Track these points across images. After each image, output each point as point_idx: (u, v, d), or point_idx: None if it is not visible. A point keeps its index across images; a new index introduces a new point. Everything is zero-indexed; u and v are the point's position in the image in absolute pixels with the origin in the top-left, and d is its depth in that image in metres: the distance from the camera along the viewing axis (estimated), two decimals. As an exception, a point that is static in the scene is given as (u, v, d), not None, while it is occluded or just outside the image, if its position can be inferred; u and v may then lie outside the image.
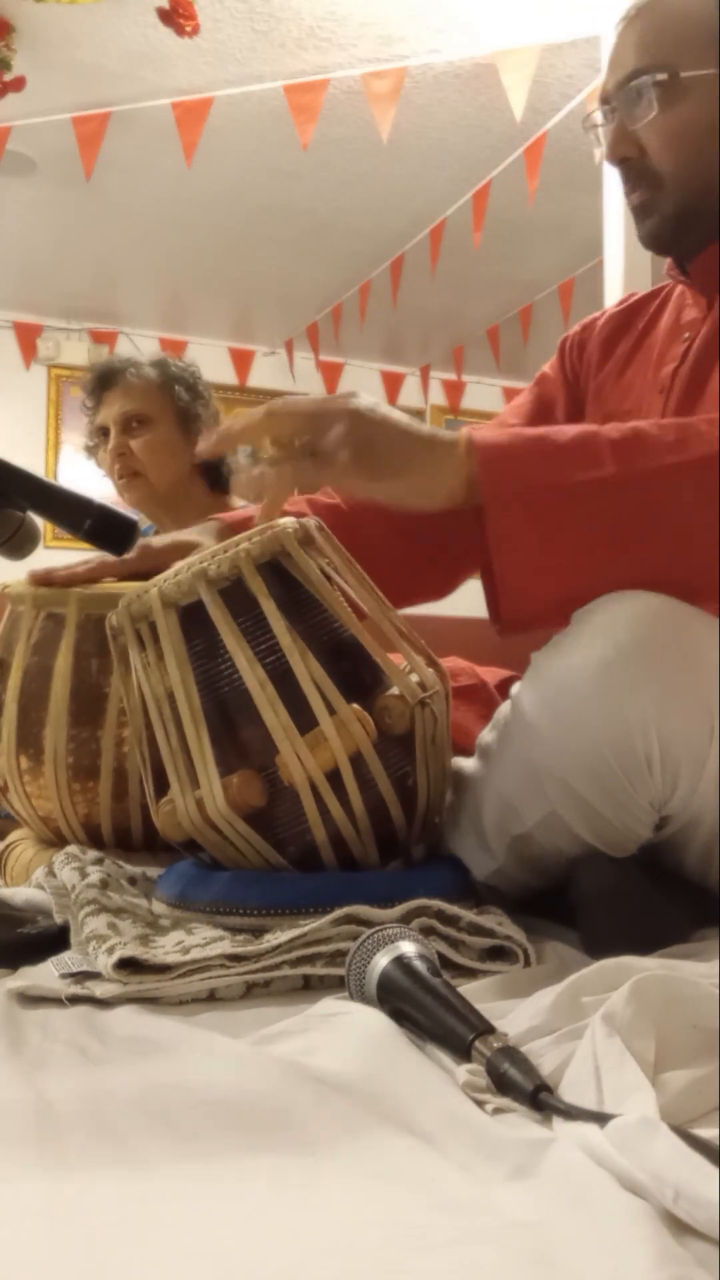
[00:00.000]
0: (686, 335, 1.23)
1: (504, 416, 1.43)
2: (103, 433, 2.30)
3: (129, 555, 1.16)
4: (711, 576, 0.93)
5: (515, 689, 0.99)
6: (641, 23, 1.16)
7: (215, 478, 2.33)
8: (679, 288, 1.29)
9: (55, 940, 0.93)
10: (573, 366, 1.39)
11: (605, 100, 1.19)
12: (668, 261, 1.29)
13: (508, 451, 0.95)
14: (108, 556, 1.21)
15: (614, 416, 1.29)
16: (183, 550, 1.19)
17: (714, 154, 1.14)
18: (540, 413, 1.39)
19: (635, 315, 1.35)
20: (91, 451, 2.37)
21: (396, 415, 0.97)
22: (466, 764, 1.06)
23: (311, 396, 1.00)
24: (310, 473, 0.96)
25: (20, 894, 1.06)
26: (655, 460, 0.94)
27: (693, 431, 0.95)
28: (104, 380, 2.28)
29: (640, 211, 1.20)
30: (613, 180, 3.09)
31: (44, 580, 1.25)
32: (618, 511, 0.93)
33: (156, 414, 2.24)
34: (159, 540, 1.26)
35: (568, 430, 0.98)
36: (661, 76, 1.13)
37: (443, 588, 1.37)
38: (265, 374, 6.21)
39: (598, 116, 1.21)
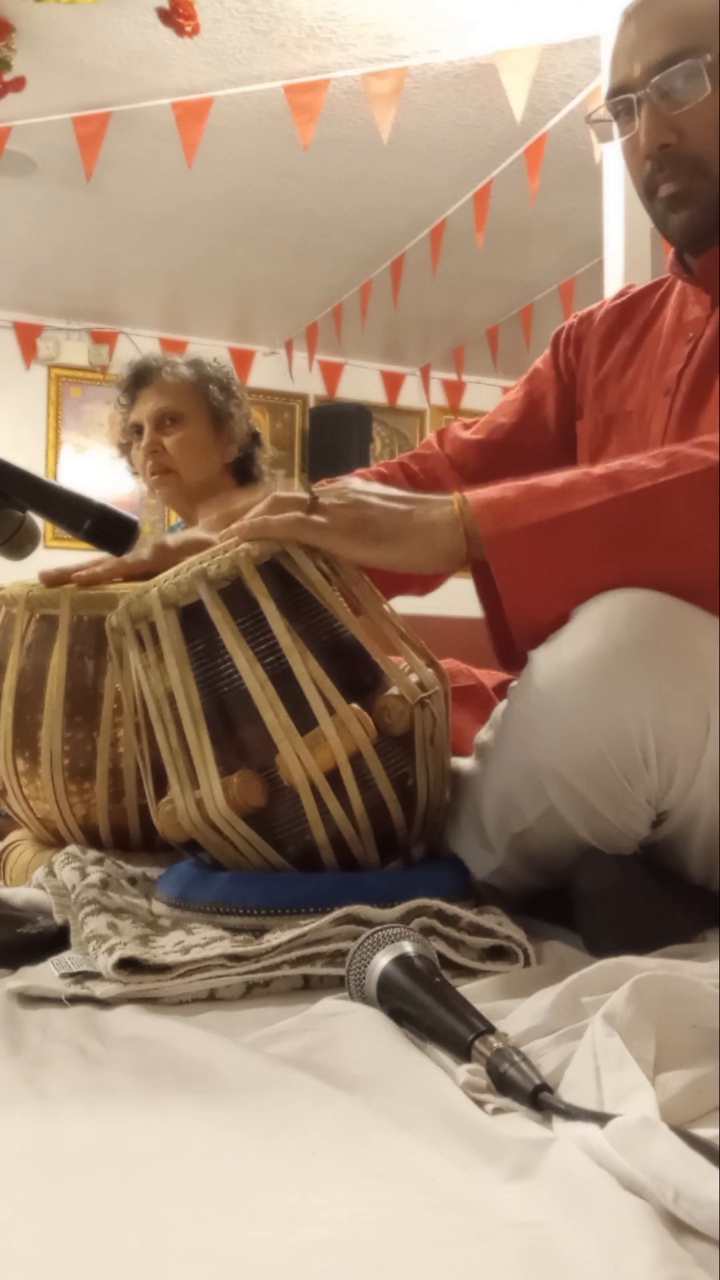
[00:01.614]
0: (690, 335, 1.22)
1: (493, 415, 1.41)
2: (136, 430, 2.30)
3: (144, 556, 1.17)
4: (709, 581, 0.93)
5: (513, 686, 0.99)
6: (665, 7, 1.13)
7: (245, 476, 2.34)
8: (680, 282, 1.27)
9: (55, 940, 0.93)
10: (567, 362, 1.37)
11: (626, 89, 1.15)
12: (669, 258, 1.27)
13: (500, 500, 0.97)
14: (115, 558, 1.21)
15: (616, 418, 1.28)
16: (198, 548, 1.19)
17: None
18: (530, 409, 1.38)
19: (635, 309, 1.32)
20: (124, 449, 2.37)
21: (390, 489, 1.01)
22: (465, 763, 1.06)
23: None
24: (316, 531, 0.98)
25: (20, 894, 1.06)
26: (647, 482, 0.95)
27: (680, 455, 0.97)
28: (139, 378, 2.29)
29: (674, 202, 1.16)
30: (613, 180, 3.08)
31: (57, 580, 1.25)
32: (613, 528, 0.95)
33: (190, 412, 2.25)
34: (174, 539, 1.26)
35: (557, 475, 0.99)
36: (711, 57, 1.10)
37: (427, 583, 1.37)
38: (265, 374, 6.21)
39: (605, 112, 1.18)
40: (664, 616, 0.90)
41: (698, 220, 1.16)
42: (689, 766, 0.89)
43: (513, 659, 1.02)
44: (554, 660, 0.92)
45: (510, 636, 0.99)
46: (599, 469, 0.98)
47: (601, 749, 0.88)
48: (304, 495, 0.99)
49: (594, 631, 0.90)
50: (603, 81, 1.23)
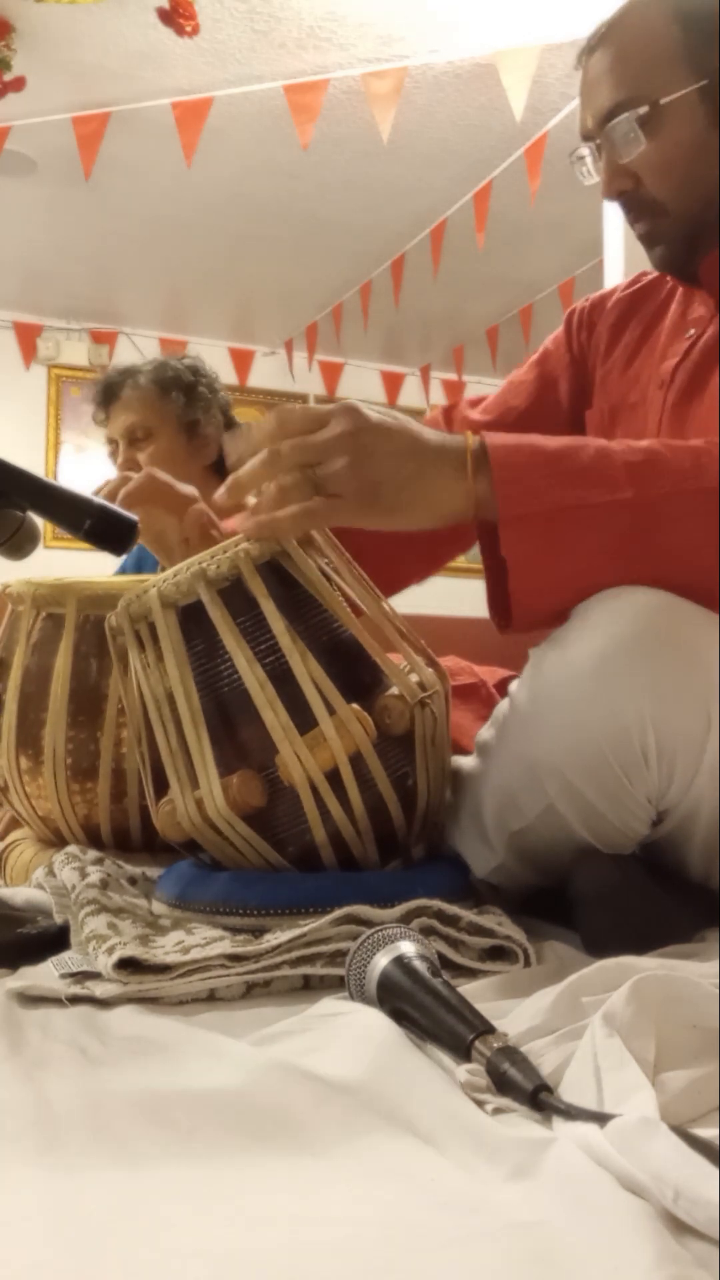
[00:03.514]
0: (691, 331, 1.22)
1: (504, 397, 1.39)
2: (113, 445, 2.30)
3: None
4: (715, 589, 0.93)
5: (514, 684, 0.99)
6: (606, 53, 1.15)
7: (226, 476, 2.32)
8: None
9: (55, 940, 0.93)
10: (580, 345, 1.36)
11: (587, 137, 1.18)
12: None
13: (524, 472, 0.94)
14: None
15: (619, 409, 1.28)
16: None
17: (707, 169, 1.14)
18: (543, 391, 1.37)
19: (645, 299, 1.33)
20: (112, 456, 2.37)
21: (398, 430, 0.95)
22: (466, 761, 1.06)
23: (310, 411, 0.96)
24: (323, 517, 0.96)
25: (20, 894, 1.06)
26: (670, 486, 0.94)
27: (708, 458, 0.95)
28: (107, 394, 2.28)
29: (647, 239, 1.19)
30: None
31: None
32: (630, 532, 0.94)
33: (158, 425, 2.24)
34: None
35: (584, 451, 0.96)
36: (643, 110, 1.12)
37: (426, 569, 1.36)
38: (265, 374, 6.21)
39: (583, 151, 1.20)
40: (663, 614, 0.90)
41: (669, 256, 1.19)
42: (689, 764, 0.89)
43: (507, 623, 1.01)
44: (555, 658, 0.92)
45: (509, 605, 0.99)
46: (627, 454, 0.95)
47: (602, 746, 0.88)
48: (305, 481, 0.94)
49: (595, 630, 0.90)
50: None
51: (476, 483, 0.94)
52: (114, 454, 2.34)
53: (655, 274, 1.34)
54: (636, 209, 1.18)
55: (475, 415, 1.38)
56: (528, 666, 0.97)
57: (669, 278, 1.31)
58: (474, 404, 1.41)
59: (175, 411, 2.24)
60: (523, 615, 0.98)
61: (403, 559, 1.29)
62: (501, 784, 0.97)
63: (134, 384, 2.25)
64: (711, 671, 0.88)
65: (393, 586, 1.27)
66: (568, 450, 0.96)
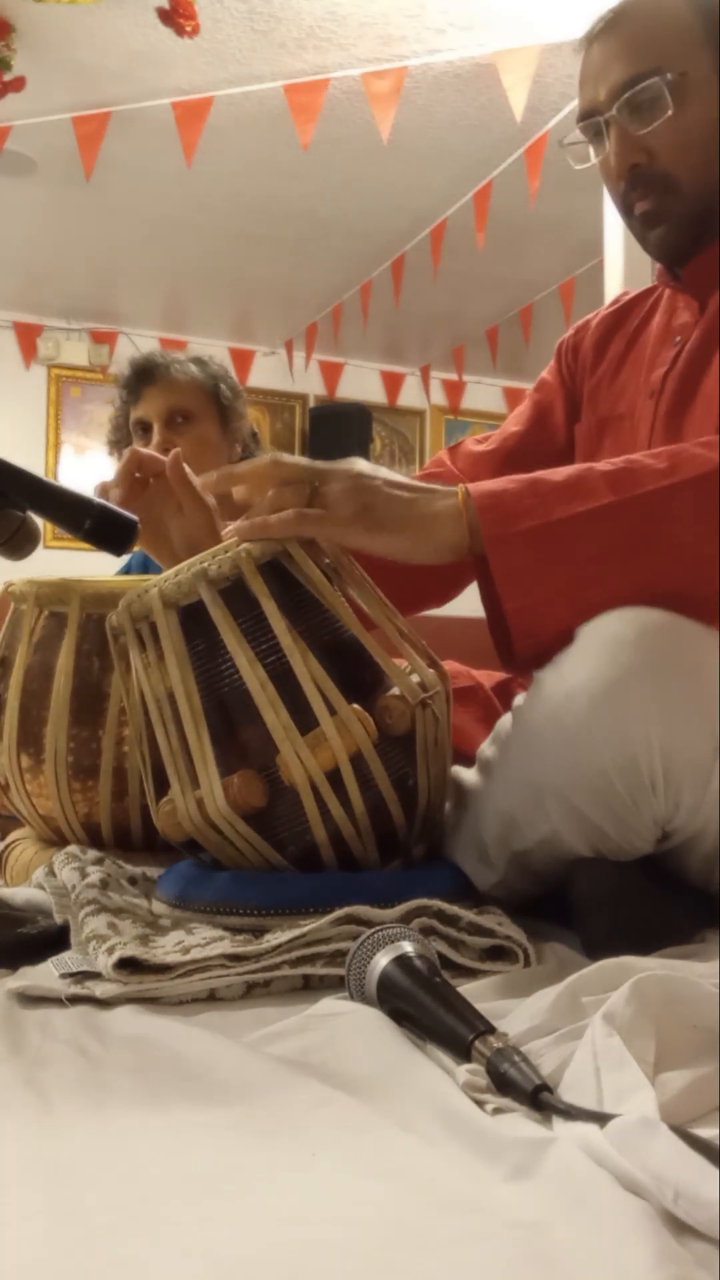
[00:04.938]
0: (678, 339, 1.23)
1: (505, 424, 1.44)
2: (142, 427, 2.26)
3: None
4: (710, 587, 0.93)
5: (518, 702, 0.99)
6: (624, 30, 1.16)
7: None
8: (669, 290, 1.29)
9: (55, 940, 0.93)
10: (569, 369, 1.39)
11: (595, 112, 1.18)
12: (658, 267, 1.29)
13: (503, 495, 0.97)
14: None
15: (609, 420, 1.30)
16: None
17: (716, 153, 1.14)
18: (539, 418, 1.40)
19: (628, 315, 1.35)
20: (116, 446, 2.33)
21: (396, 475, 1.00)
22: (467, 775, 1.06)
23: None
24: (315, 523, 0.97)
25: (20, 894, 1.06)
26: (649, 485, 0.95)
27: (684, 455, 0.97)
28: (145, 374, 2.25)
29: (649, 220, 1.19)
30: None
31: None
32: (616, 533, 0.95)
33: (200, 411, 2.23)
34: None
35: (561, 470, 0.99)
36: (672, 76, 1.12)
37: (445, 593, 1.37)
38: (265, 374, 6.21)
39: (577, 135, 1.20)
40: (670, 638, 0.89)
41: (672, 238, 1.19)
42: (697, 790, 0.88)
43: (512, 657, 1.01)
44: (560, 682, 0.91)
45: (510, 635, 0.99)
46: (604, 466, 0.97)
47: (609, 772, 0.87)
48: (304, 482, 0.98)
49: (601, 654, 0.89)
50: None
51: (468, 509, 0.96)
52: (121, 443, 2.30)
53: (637, 292, 1.36)
54: (646, 184, 1.17)
55: (477, 448, 1.42)
56: (532, 687, 0.96)
57: (651, 292, 1.33)
58: (478, 441, 1.45)
59: (219, 401, 2.24)
60: (524, 636, 0.97)
61: (424, 583, 1.30)
62: (504, 806, 0.97)
63: (180, 368, 2.24)
64: (717, 694, 0.88)
65: (411, 607, 1.28)
66: (543, 473, 0.99)
